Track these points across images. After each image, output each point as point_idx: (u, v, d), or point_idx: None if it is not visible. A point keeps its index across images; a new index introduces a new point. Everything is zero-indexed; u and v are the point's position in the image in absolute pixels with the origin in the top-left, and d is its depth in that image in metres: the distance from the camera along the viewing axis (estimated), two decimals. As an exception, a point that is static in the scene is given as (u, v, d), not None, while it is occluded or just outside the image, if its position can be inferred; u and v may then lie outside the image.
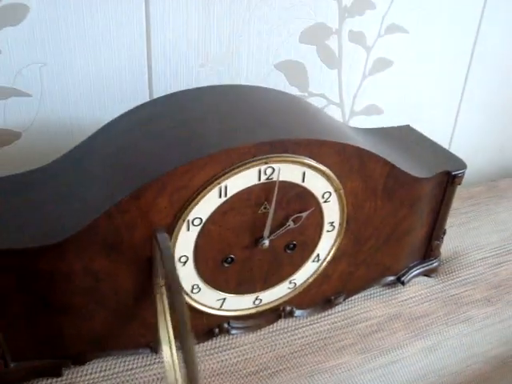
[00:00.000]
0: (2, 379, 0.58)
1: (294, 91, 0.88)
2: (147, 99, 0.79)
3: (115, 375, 0.62)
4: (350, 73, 0.92)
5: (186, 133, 0.55)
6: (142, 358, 0.63)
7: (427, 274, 0.80)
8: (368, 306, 0.76)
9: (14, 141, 0.76)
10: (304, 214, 0.59)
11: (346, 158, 0.58)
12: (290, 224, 0.59)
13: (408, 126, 0.81)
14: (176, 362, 0.58)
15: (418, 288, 0.79)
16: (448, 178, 0.70)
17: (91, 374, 0.62)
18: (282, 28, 0.82)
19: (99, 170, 0.57)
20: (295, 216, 0.59)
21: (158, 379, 0.63)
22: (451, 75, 1.01)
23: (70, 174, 0.59)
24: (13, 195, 0.58)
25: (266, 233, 0.58)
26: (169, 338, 0.58)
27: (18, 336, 0.56)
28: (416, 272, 0.78)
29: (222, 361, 0.66)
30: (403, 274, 0.77)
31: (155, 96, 0.79)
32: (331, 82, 0.91)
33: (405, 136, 0.77)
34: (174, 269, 0.42)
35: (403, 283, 0.77)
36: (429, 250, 0.77)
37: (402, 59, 0.94)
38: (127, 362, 0.63)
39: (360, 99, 0.95)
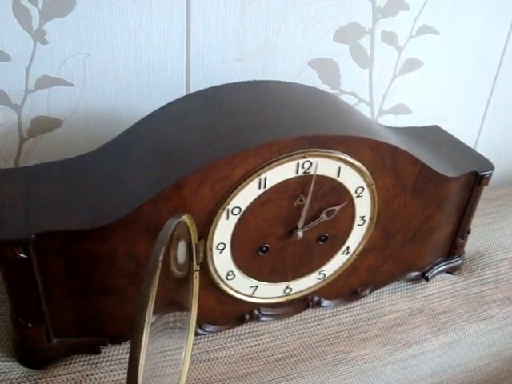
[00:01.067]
0: (45, 354, 0.61)
1: (325, 89, 0.90)
2: (184, 93, 0.81)
3: (151, 356, 0.65)
4: (380, 72, 0.93)
5: (228, 126, 0.58)
6: (178, 340, 0.66)
7: (451, 271, 0.82)
8: (392, 300, 0.78)
9: (54, 128, 0.79)
10: (337, 208, 0.61)
11: (379, 155, 0.60)
12: (324, 216, 0.61)
13: (436, 126, 0.83)
14: (190, 344, 0.60)
15: (441, 284, 0.81)
16: (476, 179, 0.72)
17: (127, 353, 0.65)
18: (316, 26, 0.84)
19: (143, 158, 0.59)
20: (329, 209, 0.61)
21: (192, 361, 0.66)
22: (480, 77, 1.03)
23: (114, 162, 0.61)
24: (59, 180, 0.61)
25: (301, 224, 0.60)
26: (190, 322, 0.60)
27: (62, 314, 0.59)
28: (440, 269, 0.80)
29: (252, 346, 0.69)
30: (427, 270, 0.78)
31: (192, 89, 0.81)
32: (362, 80, 0.93)
33: (433, 136, 0.79)
34: (159, 250, 0.42)
35: (427, 279, 0.79)
36: (453, 247, 0.79)
37: (433, 60, 0.95)
38: (166, 344, 0.66)
39: (389, 98, 0.97)
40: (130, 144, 0.62)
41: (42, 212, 0.56)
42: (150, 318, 0.40)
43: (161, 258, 0.41)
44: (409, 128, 0.79)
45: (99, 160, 0.63)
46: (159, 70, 0.79)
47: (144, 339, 0.39)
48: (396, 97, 0.97)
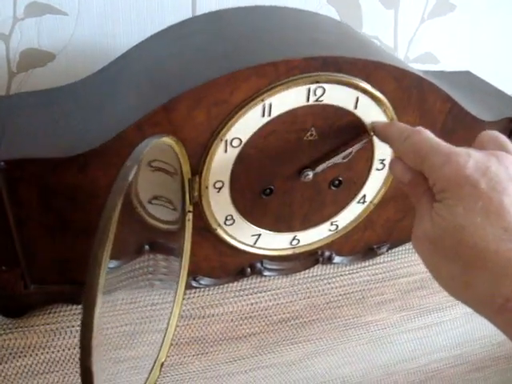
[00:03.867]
0: (22, 301, 0.55)
1: (346, 29, 0.81)
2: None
3: (139, 309, 0.59)
4: (407, 14, 0.84)
5: (229, 46, 0.50)
6: (169, 293, 0.60)
7: (478, 232, 0.74)
8: (412, 261, 0.70)
9: (46, 62, 0.72)
10: (354, 149, 0.53)
11: (404, 87, 0.52)
12: (338, 158, 0.54)
13: (468, 72, 0.75)
14: (180, 295, 0.54)
15: (467, 246, 0.74)
16: (512, 126, 0.64)
17: (115, 304, 0.58)
18: (338, -43, 0.75)
19: (133, 83, 0.52)
20: (344, 149, 0.53)
21: (185, 317, 0.59)
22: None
23: (103, 89, 0.55)
24: (41, 108, 0.55)
25: (311, 164, 0.53)
26: (181, 271, 0.54)
27: (39, 257, 0.53)
28: (466, 228, 0.72)
29: (252, 304, 0.62)
30: (452, 230, 0.71)
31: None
32: (386, 23, 0.84)
33: (465, 81, 0.71)
34: (128, 169, 0.35)
35: (452, 239, 0.71)
36: (482, 205, 0.71)
37: (467, 3, 0.86)
38: (153, 297, 0.59)
39: (415, 45, 0.88)
40: (121, 69, 0.56)
41: (17, 140, 0.50)
42: (108, 253, 0.32)
43: (130, 178, 0.33)
44: (438, 72, 0.71)
45: (87, 87, 0.56)
46: (162, -2, 0.71)
47: (100, 283, 0.31)
48: (423, 44, 0.88)
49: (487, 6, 0.88)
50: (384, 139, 0.49)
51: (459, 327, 0.75)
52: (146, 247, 0.54)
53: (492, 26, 0.91)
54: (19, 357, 0.55)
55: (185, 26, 0.57)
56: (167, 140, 0.42)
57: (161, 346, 0.54)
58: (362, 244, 0.64)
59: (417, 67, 0.87)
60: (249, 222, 0.56)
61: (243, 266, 0.60)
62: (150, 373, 0.53)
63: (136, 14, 0.71)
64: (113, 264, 0.43)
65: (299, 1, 0.77)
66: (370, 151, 0.55)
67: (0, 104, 0.56)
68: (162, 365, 0.54)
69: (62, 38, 0.71)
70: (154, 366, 0.53)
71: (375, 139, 0.54)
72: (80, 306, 0.57)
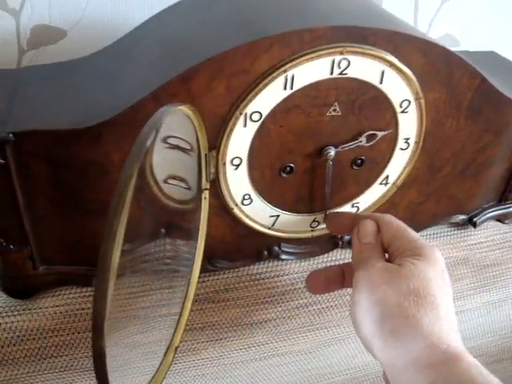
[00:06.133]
0: (31, 282, 0.53)
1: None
2: None
3: (152, 292, 0.56)
4: (428, -6, 0.82)
5: (249, 15, 0.48)
6: (184, 276, 0.57)
7: (501, 219, 0.72)
8: (434, 245, 0.67)
9: (58, 39, 0.70)
10: (380, 134, 0.51)
11: (432, 62, 0.49)
12: (363, 140, 0.51)
13: (493, 52, 0.72)
14: (195, 277, 0.52)
15: (489, 233, 0.71)
16: (543, 107, 0.61)
17: (128, 287, 0.56)
18: None
19: (149, 55, 0.50)
20: (369, 133, 0.51)
21: (199, 301, 0.57)
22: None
23: (117, 61, 0.52)
24: (51, 81, 0.53)
25: (333, 141, 0.50)
26: (197, 252, 0.51)
27: (48, 237, 0.51)
28: (490, 215, 0.69)
29: (269, 288, 0.60)
30: (476, 215, 0.68)
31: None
32: (406, 2, 0.82)
33: (490, 60, 0.68)
34: (147, 135, 0.32)
35: (475, 225, 0.68)
36: (507, 191, 0.68)
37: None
38: (166, 280, 0.57)
39: (437, 26, 0.86)
40: (136, 41, 0.53)
41: (27, 112, 0.48)
42: (123, 223, 0.30)
43: (148, 143, 0.31)
44: (462, 51, 0.68)
45: (100, 60, 0.54)
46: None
47: (115, 255, 0.29)
48: (445, 25, 0.86)
49: (511, -14, 0.85)
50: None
51: (479, 317, 0.72)
52: (162, 230, 0.52)
53: (515, 8, 0.88)
54: (27, 340, 0.53)
55: (202, -2, 0.54)
56: (185, 109, 0.39)
57: (174, 331, 0.51)
58: (383, 227, 0.62)
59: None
60: (267, 201, 0.53)
61: (260, 248, 0.58)
62: (163, 358, 0.51)
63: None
64: (127, 247, 0.41)
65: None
66: (394, 129, 0.52)
67: (9, 77, 0.54)
68: (176, 350, 0.52)
69: (74, 13, 0.69)
70: (167, 351, 0.51)
71: (400, 116, 0.51)
72: (91, 289, 0.55)
